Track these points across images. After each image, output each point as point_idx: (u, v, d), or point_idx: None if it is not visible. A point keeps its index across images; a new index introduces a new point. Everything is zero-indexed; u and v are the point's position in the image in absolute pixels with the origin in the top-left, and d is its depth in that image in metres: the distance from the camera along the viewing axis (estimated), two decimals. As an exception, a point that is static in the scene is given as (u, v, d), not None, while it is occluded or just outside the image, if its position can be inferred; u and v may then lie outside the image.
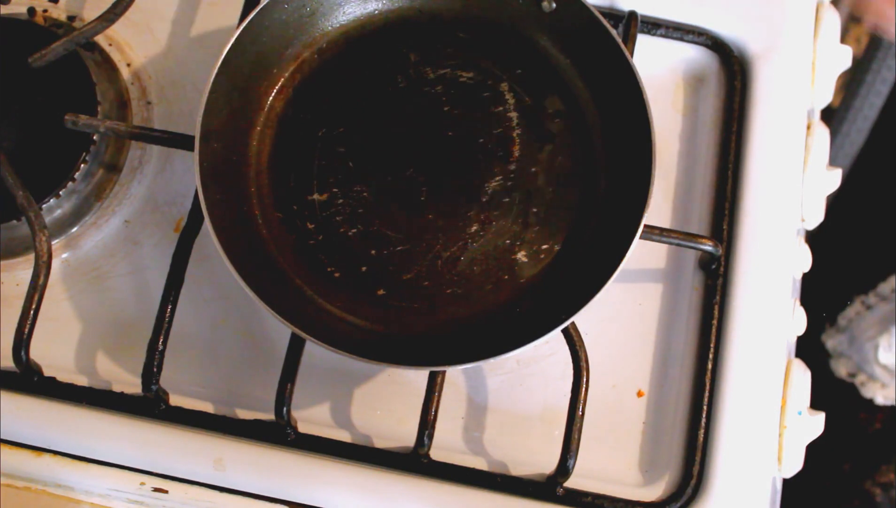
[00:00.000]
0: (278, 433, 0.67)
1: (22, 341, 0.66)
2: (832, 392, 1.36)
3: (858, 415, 1.36)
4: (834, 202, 0.80)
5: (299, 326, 0.62)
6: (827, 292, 1.10)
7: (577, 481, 0.67)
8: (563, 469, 0.65)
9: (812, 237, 0.77)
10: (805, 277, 0.75)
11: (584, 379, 0.66)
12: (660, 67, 0.78)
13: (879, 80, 1.19)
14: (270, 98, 0.72)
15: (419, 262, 0.69)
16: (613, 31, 0.68)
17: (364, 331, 0.67)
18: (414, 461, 0.67)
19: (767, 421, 0.68)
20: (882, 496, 1.35)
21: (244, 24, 0.68)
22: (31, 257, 0.70)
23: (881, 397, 1.35)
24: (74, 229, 0.73)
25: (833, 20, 0.77)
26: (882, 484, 1.35)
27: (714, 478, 0.67)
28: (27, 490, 0.67)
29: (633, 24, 0.75)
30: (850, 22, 1.32)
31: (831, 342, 1.38)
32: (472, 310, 0.68)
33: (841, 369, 1.37)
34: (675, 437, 0.70)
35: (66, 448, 0.67)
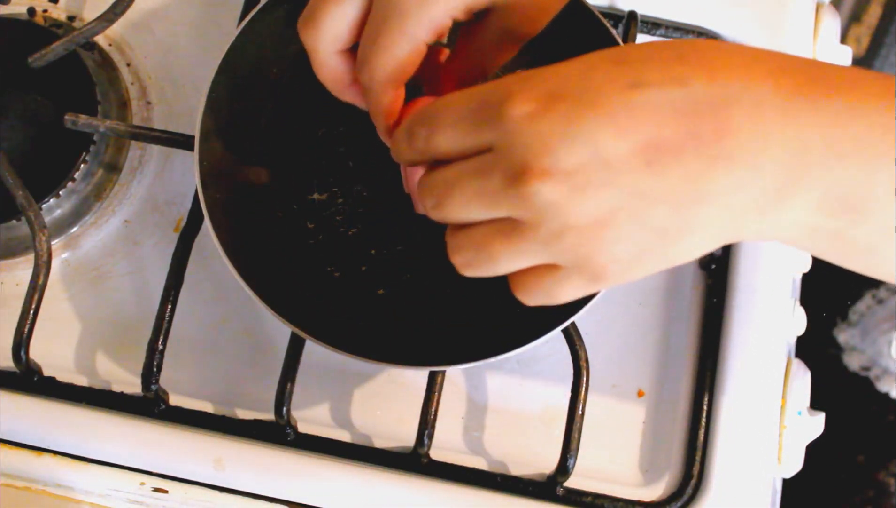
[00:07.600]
0: (278, 432, 0.67)
1: (22, 341, 0.66)
2: (845, 385, 1.36)
3: (871, 408, 1.36)
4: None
5: (299, 326, 0.62)
6: (832, 289, 1.10)
7: (577, 481, 0.67)
8: (563, 468, 0.65)
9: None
10: (805, 277, 0.75)
11: (584, 379, 0.65)
12: (660, 66, 0.78)
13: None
14: (270, 98, 0.72)
15: (419, 262, 0.68)
16: (614, 31, 0.68)
17: (364, 331, 0.67)
18: (414, 461, 0.67)
19: (767, 421, 0.68)
20: (896, 486, 1.36)
21: (244, 23, 0.67)
22: (30, 257, 0.70)
23: (897, 391, 1.35)
24: (74, 229, 0.73)
25: (833, 20, 0.77)
26: (896, 475, 1.36)
27: (714, 478, 0.67)
28: (27, 490, 0.67)
29: (633, 24, 0.74)
30: (851, 22, 1.32)
31: (843, 336, 1.38)
32: (472, 310, 0.68)
33: (854, 363, 1.37)
34: (675, 437, 0.69)
35: (66, 448, 0.67)
